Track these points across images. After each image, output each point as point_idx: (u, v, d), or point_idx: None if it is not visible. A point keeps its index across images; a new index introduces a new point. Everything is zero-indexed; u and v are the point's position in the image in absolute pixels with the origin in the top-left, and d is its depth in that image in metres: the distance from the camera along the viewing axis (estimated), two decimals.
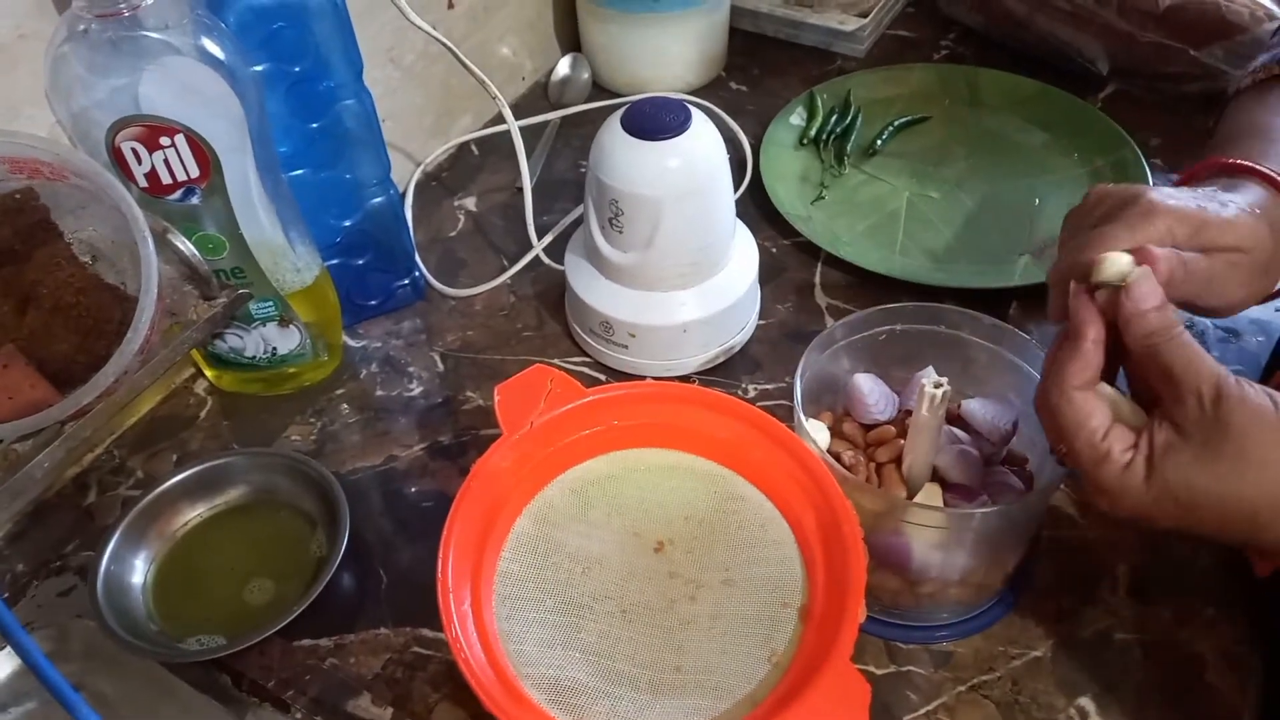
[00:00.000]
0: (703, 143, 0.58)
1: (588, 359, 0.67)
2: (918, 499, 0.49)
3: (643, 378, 0.65)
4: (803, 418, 0.49)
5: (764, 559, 0.46)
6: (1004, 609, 0.52)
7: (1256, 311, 0.65)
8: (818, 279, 0.72)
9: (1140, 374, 0.43)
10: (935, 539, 0.47)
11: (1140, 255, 0.43)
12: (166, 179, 0.52)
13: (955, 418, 0.53)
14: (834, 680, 0.39)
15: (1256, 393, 0.38)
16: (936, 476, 0.50)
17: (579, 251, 0.65)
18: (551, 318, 0.70)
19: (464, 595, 0.43)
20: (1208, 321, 0.67)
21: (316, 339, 0.63)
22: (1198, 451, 0.38)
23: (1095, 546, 0.55)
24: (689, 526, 0.48)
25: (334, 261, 0.65)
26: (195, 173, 0.52)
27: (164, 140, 0.50)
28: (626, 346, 0.64)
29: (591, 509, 0.49)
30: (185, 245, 0.51)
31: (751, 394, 0.64)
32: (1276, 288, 0.50)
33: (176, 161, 0.51)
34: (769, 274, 0.72)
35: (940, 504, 0.49)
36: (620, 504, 0.49)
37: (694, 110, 0.59)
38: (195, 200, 0.53)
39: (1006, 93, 0.84)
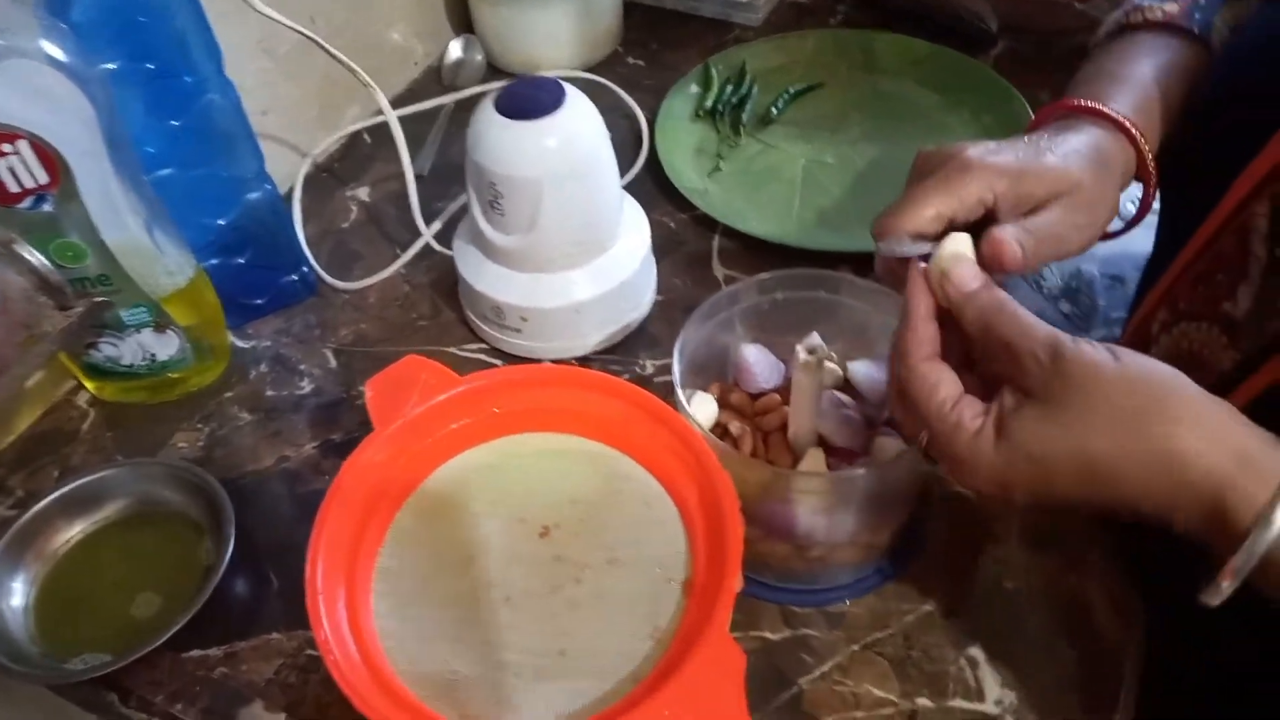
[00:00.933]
0: (580, 120, 0.58)
1: (484, 345, 0.66)
2: (801, 465, 0.49)
3: (539, 361, 0.64)
4: (681, 395, 0.48)
5: (649, 537, 0.46)
6: (897, 568, 0.52)
7: (1139, 251, 0.66)
8: (715, 250, 0.71)
9: (985, 355, 0.42)
10: (819, 504, 0.47)
11: (991, 244, 0.44)
12: (14, 187, 0.49)
13: (846, 383, 0.54)
14: (711, 652, 0.39)
15: (1094, 348, 0.38)
16: (822, 442, 0.51)
17: (466, 237, 0.64)
18: (446, 306, 0.69)
19: (337, 596, 0.42)
20: (1095, 270, 0.68)
21: (198, 342, 0.62)
22: (1043, 409, 0.38)
23: (988, 503, 0.55)
24: (575, 509, 0.48)
25: (213, 261, 0.63)
26: (44, 179, 0.50)
27: (6, 147, 0.48)
28: (520, 331, 0.63)
29: (474, 499, 0.48)
30: (33, 255, 0.49)
31: (650, 370, 0.64)
32: (1112, 226, 0.51)
33: (22, 168, 0.49)
34: (666, 248, 0.71)
35: (822, 469, 0.49)
36: (504, 492, 0.48)
37: (570, 88, 0.58)
38: (48, 207, 0.51)
39: (900, 55, 0.84)
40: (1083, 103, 0.51)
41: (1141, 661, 0.49)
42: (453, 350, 0.66)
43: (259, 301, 0.67)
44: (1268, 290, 0.44)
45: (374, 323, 0.68)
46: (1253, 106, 0.47)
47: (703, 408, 0.52)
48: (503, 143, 0.57)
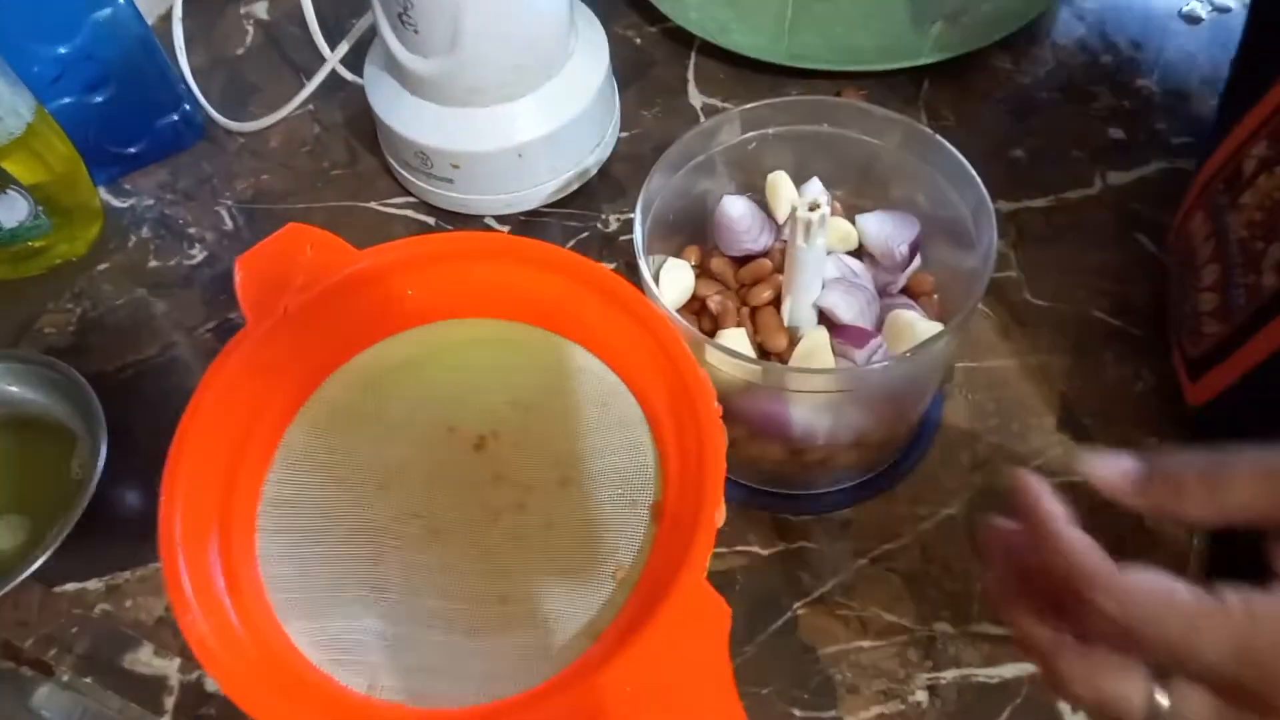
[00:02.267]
0: None
1: (413, 199, 0.54)
2: (798, 348, 0.39)
3: (481, 218, 0.53)
4: (646, 267, 0.38)
5: (608, 446, 0.37)
6: (911, 463, 0.44)
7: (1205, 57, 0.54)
8: (691, 74, 0.58)
9: None
10: (820, 401, 0.38)
11: None
12: None
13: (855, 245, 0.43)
14: (685, 603, 0.31)
15: None
16: (823, 318, 0.41)
17: (379, 62, 0.51)
18: (366, 150, 0.56)
19: (206, 543, 0.33)
20: (1152, 84, 0.56)
21: (54, 202, 0.50)
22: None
23: (1020, 373, 0.46)
24: (516, 413, 0.38)
25: (63, 101, 0.51)
26: None
27: None
28: (452, 181, 0.51)
29: (390, 404, 0.38)
30: None
31: (614, 226, 0.53)
32: None
33: None
34: (633, 72, 0.58)
35: (827, 353, 0.39)
36: (428, 393, 0.38)
37: None
38: None
39: None
40: None
41: (1208, 563, 0.41)
42: (374, 206, 0.54)
43: (133, 150, 0.55)
44: None
45: (278, 173, 0.56)
46: None
47: (675, 279, 0.42)
48: None
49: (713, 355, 0.36)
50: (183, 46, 0.60)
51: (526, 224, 0.53)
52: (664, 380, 0.36)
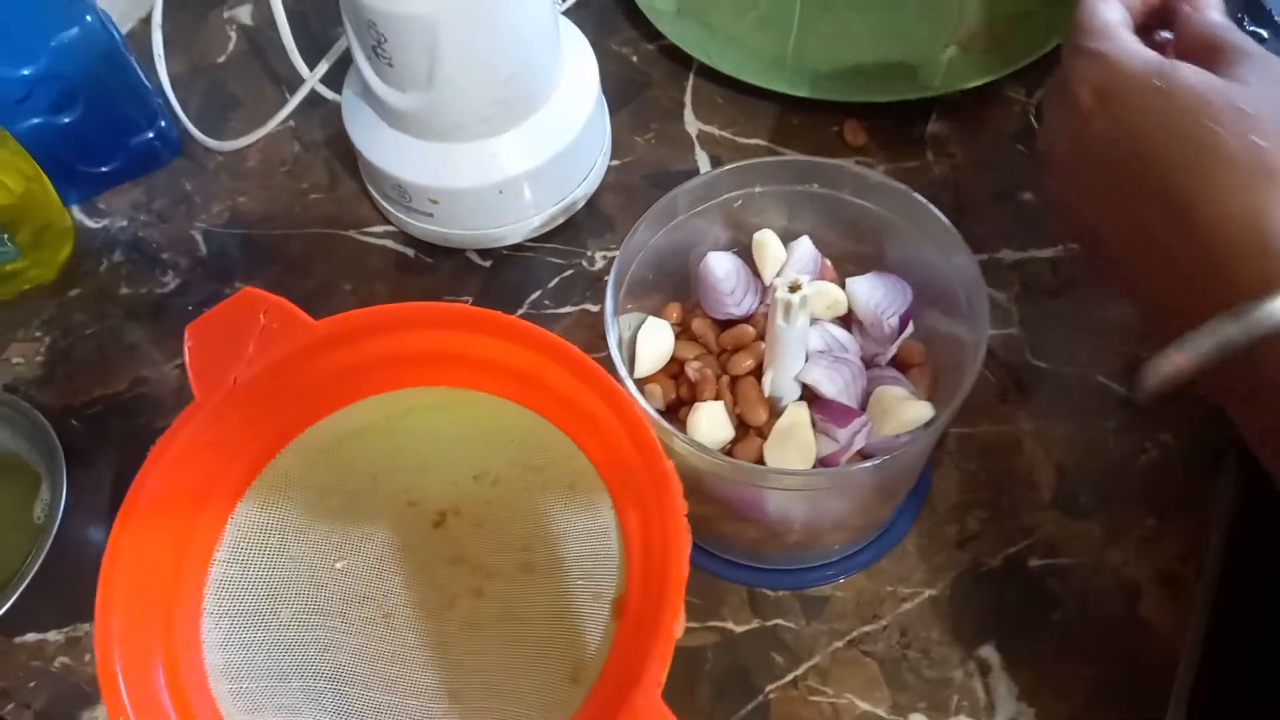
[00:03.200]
0: None
1: (393, 229, 0.52)
2: (777, 425, 0.37)
3: (462, 252, 0.51)
4: (618, 354, 0.36)
5: (573, 531, 0.35)
6: (895, 536, 0.42)
7: None
8: (689, 98, 0.56)
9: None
10: (797, 493, 0.36)
11: None
12: None
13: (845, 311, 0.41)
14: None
15: None
16: (806, 391, 0.38)
17: (355, 87, 0.49)
18: (346, 173, 0.54)
19: (149, 632, 0.32)
20: None
21: (19, 225, 0.48)
22: (1234, 65, 0.31)
23: (1016, 441, 0.44)
24: (480, 489, 0.36)
25: (33, 122, 0.49)
26: None
27: None
28: (432, 215, 0.49)
29: (348, 475, 0.37)
30: None
31: (599, 264, 0.51)
32: None
33: None
34: (627, 93, 0.56)
35: (807, 431, 0.37)
36: (389, 463, 0.37)
37: None
38: None
39: None
40: None
41: (1199, 666, 0.39)
42: (353, 235, 0.52)
43: (106, 169, 0.53)
44: None
45: (255, 195, 0.54)
46: None
47: (654, 341, 0.40)
48: None
49: (681, 446, 0.34)
50: (161, 54, 0.58)
51: (509, 259, 0.51)
52: (631, 467, 0.34)
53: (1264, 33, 0.56)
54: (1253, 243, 0.28)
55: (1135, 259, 0.32)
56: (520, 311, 0.49)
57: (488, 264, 0.51)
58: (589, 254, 0.51)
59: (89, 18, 0.48)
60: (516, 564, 0.35)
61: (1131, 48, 0.33)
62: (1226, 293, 0.28)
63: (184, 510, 0.34)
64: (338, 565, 0.35)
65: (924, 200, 0.37)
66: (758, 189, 0.40)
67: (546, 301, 0.50)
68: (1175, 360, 0.28)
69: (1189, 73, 0.32)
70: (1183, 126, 0.30)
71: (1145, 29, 0.36)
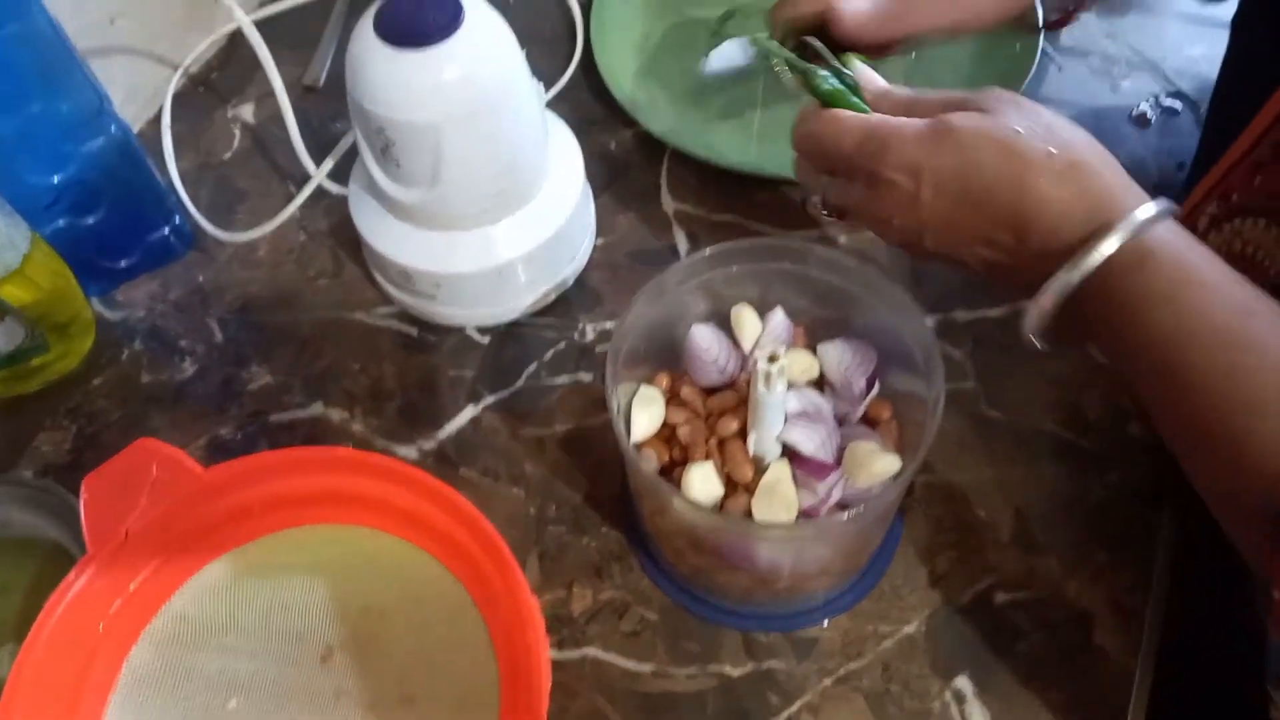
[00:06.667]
0: (483, 43, 0.46)
1: (396, 310, 0.56)
2: (763, 481, 0.41)
3: (463, 329, 0.55)
4: (620, 423, 0.40)
5: (453, 664, 0.38)
6: (873, 579, 0.46)
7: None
8: (664, 179, 0.61)
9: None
10: (784, 541, 0.40)
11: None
12: None
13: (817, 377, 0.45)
14: None
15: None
16: (786, 449, 0.43)
17: (361, 182, 0.53)
18: (351, 258, 0.58)
19: None
20: None
21: (48, 320, 0.52)
22: (981, 112, 0.39)
23: (977, 487, 0.48)
24: (366, 622, 0.39)
25: (58, 224, 0.53)
26: None
27: None
28: (434, 297, 0.53)
29: (241, 611, 0.40)
30: None
31: (590, 336, 0.55)
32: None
33: None
34: (610, 176, 0.61)
35: (789, 486, 0.41)
36: (280, 600, 0.40)
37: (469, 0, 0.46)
38: None
39: None
40: None
41: (1151, 685, 0.43)
42: (359, 317, 0.56)
43: (125, 264, 0.57)
44: None
45: (265, 283, 0.58)
46: None
47: (647, 409, 0.44)
48: (388, 79, 0.45)
49: (680, 505, 0.38)
50: (171, 152, 0.62)
51: (507, 334, 0.55)
52: (502, 603, 0.37)
53: (1177, 105, 0.63)
54: (1076, 214, 0.36)
55: (998, 263, 0.39)
56: (519, 384, 0.53)
57: (487, 340, 0.55)
58: (580, 327, 0.55)
59: (113, 128, 0.52)
60: (398, 696, 0.38)
61: (899, 128, 0.40)
62: (1064, 253, 0.36)
63: (80, 655, 0.37)
64: (230, 704, 0.38)
65: (880, 274, 0.42)
66: (734, 268, 0.44)
67: (543, 373, 0.54)
68: (1039, 303, 0.37)
69: (961, 118, 0.39)
70: (992, 158, 0.37)
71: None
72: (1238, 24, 0.51)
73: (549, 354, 0.54)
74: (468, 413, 0.53)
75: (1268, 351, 0.33)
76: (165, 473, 0.39)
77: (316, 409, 0.53)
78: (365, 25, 0.46)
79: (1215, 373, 0.33)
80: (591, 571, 0.47)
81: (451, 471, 0.50)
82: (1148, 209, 0.36)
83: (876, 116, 0.41)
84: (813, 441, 0.42)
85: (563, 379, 0.53)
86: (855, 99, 0.44)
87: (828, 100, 0.44)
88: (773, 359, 0.39)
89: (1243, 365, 0.33)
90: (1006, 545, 0.47)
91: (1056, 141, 0.37)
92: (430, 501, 0.39)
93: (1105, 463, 0.48)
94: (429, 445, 0.52)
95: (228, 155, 0.64)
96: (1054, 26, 0.60)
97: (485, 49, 0.46)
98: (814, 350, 0.46)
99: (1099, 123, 0.61)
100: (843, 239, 0.57)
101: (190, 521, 0.39)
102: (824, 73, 0.45)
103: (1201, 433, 0.34)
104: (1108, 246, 0.35)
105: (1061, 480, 0.48)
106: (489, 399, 0.53)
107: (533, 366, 0.54)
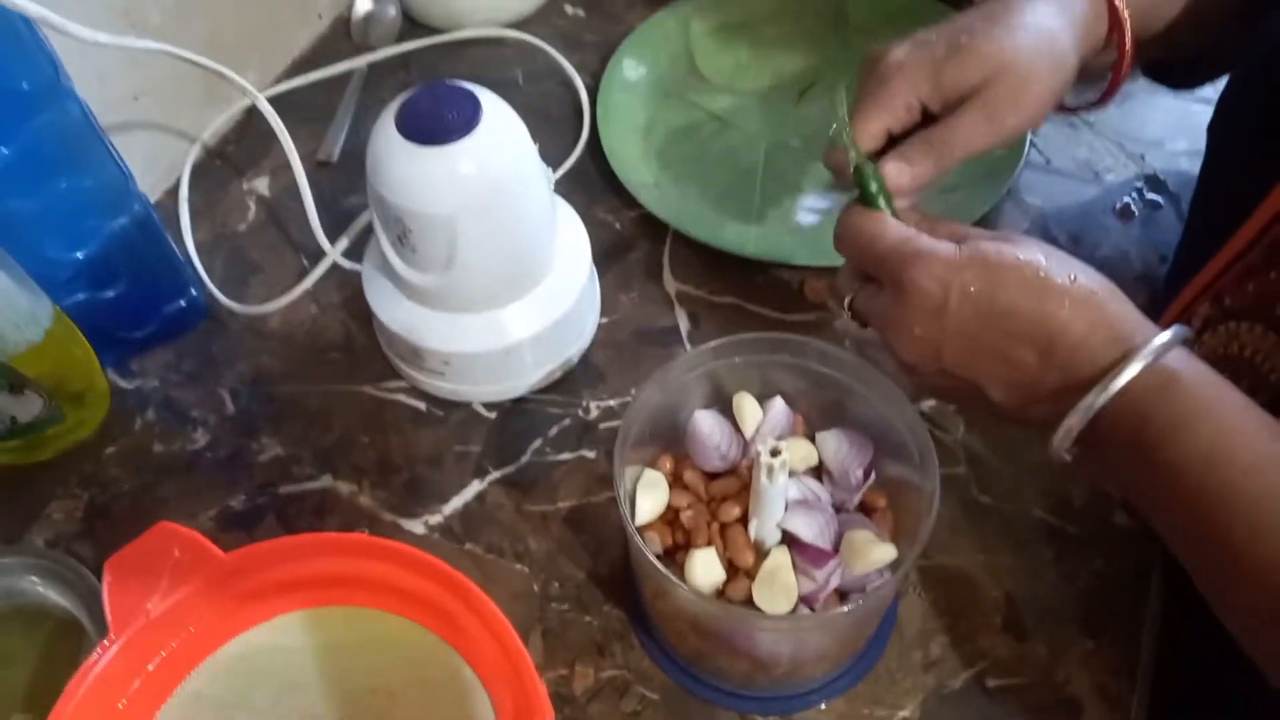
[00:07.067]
0: (499, 141, 0.48)
1: (405, 384, 0.58)
2: (763, 568, 0.43)
3: (469, 405, 0.57)
4: (625, 507, 0.41)
5: None
6: (869, 662, 0.47)
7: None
8: (666, 259, 0.63)
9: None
10: (784, 631, 0.41)
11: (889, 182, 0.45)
12: None
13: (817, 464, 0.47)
14: None
15: None
16: (786, 535, 0.44)
17: (375, 262, 0.55)
18: (362, 332, 0.60)
19: None
20: None
21: (65, 391, 0.53)
22: (1015, 238, 0.40)
23: (969, 571, 0.50)
24: (375, 703, 0.40)
25: (78, 298, 0.54)
26: None
27: None
28: (443, 374, 0.55)
29: (256, 690, 0.40)
30: None
31: (594, 413, 0.56)
32: (1067, 100, 0.50)
33: None
34: (613, 255, 0.63)
35: (789, 573, 0.42)
36: (292, 679, 0.41)
37: (487, 98, 0.48)
38: None
39: (875, 5, 0.74)
40: None
41: None
42: (368, 390, 0.58)
43: (138, 335, 0.58)
44: None
45: (277, 355, 0.59)
46: None
47: (651, 494, 0.45)
48: (408, 173, 0.47)
49: (681, 593, 0.39)
50: (188, 224, 0.64)
51: (513, 411, 0.57)
52: (509, 687, 0.38)
53: (1160, 199, 0.65)
54: (1098, 337, 0.38)
55: (1017, 382, 0.40)
56: (524, 460, 0.55)
57: (493, 415, 0.57)
58: (584, 404, 0.57)
59: (136, 205, 0.54)
60: None
61: (934, 242, 0.41)
62: (1086, 375, 0.38)
63: None
64: None
65: (873, 367, 0.44)
66: (737, 359, 0.46)
67: (547, 450, 0.55)
68: (1068, 424, 0.38)
69: (989, 242, 0.40)
70: (1018, 278, 0.39)
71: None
72: (1214, 128, 0.53)
73: (554, 430, 0.56)
74: (474, 487, 0.54)
75: None
76: (186, 555, 0.40)
77: (325, 481, 0.54)
78: (387, 120, 0.48)
79: (1251, 495, 0.34)
80: (594, 649, 0.48)
81: (457, 547, 0.52)
82: (1166, 334, 0.37)
83: (914, 229, 0.42)
84: (811, 529, 0.43)
85: (567, 455, 0.55)
86: (891, 206, 0.44)
87: (871, 199, 0.44)
88: (775, 453, 0.40)
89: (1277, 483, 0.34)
90: (998, 630, 0.48)
91: (1076, 269, 0.39)
92: (440, 585, 0.40)
93: (1091, 549, 0.50)
94: (435, 520, 0.53)
95: (242, 227, 0.65)
96: (1070, 112, 0.60)
97: (501, 146, 0.48)
98: (813, 438, 0.47)
99: (1083, 215, 0.63)
100: (839, 324, 0.59)
101: (209, 603, 0.40)
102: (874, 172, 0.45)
103: (1233, 554, 0.35)
104: (1133, 368, 0.36)
105: (1050, 565, 0.50)
106: (494, 474, 0.54)
107: (538, 442, 0.55)
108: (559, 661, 0.48)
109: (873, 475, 0.46)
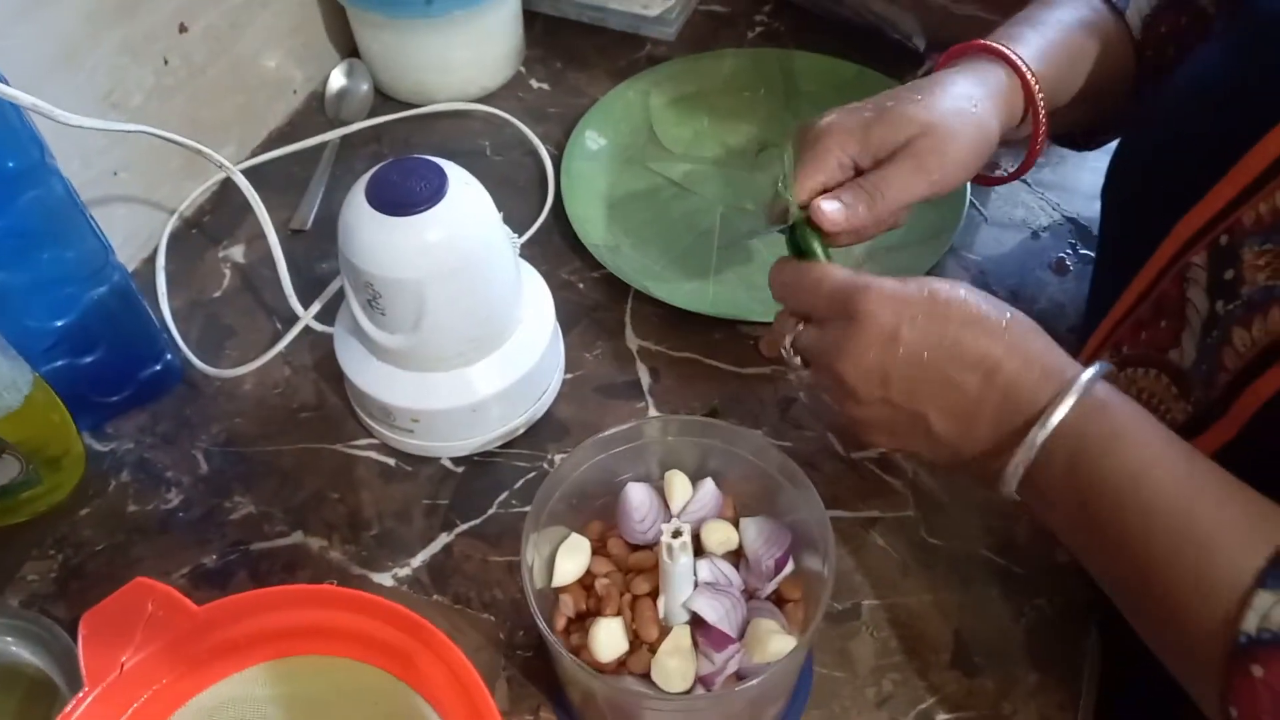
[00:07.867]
0: (464, 210, 0.51)
1: (375, 442, 0.60)
2: (664, 645, 0.44)
3: (438, 459, 0.59)
4: (527, 577, 0.43)
5: None
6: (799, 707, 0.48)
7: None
8: (628, 318, 0.66)
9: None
10: (674, 712, 0.43)
11: (813, 213, 0.48)
12: None
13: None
14: None
15: None
16: (693, 614, 0.45)
17: (347, 325, 0.58)
18: (334, 393, 0.62)
19: None
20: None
21: (41, 455, 0.54)
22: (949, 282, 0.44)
23: (920, 610, 0.52)
24: None
25: (57, 364, 0.56)
26: None
27: None
28: (412, 430, 0.57)
29: None
30: None
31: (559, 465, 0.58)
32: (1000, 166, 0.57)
33: None
34: (577, 314, 0.66)
35: (689, 654, 0.44)
36: None
37: (453, 171, 0.51)
38: None
39: (823, 77, 0.79)
40: (979, 42, 0.54)
41: None
42: (339, 448, 0.60)
43: (114, 399, 0.60)
44: (1210, 343, 0.43)
45: (250, 416, 0.61)
46: (1192, 149, 0.46)
47: (573, 557, 0.47)
48: (377, 241, 0.50)
49: (570, 664, 0.41)
50: (165, 291, 0.66)
51: (479, 465, 0.59)
52: None
53: (1092, 253, 0.69)
54: (1034, 372, 0.42)
55: (962, 421, 0.43)
56: (490, 512, 0.57)
57: (460, 470, 0.59)
58: (549, 457, 0.59)
59: (115, 275, 0.56)
60: None
61: (880, 278, 0.44)
62: (1027, 410, 0.41)
63: None
64: None
65: (796, 466, 0.46)
66: (671, 439, 0.48)
67: (514, 502, 0.57)
68: (1017, 460, 0.41)
69: (934, 281, 0.44)
70: (960, 310, 0.43)
71: None
72: (1106, 190, 0.56)
73: (519, 483, 0.58)
74: (441, 540, 0.56)
75: (1214, 490, 0.38)
76: (160, 609, 0.41)
77: (296, 537, 0.56)
78: (357, 192, 0.51)
79: (1179, 508, 0.38)
80: (556, 696, 0.49)
81: (425, 598, 0.53)
82: (1093, 368, 0.41)
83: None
84: (716, 611, 0.44)
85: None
86: (829, 254, 0.49)
87: (809, 249, 0.49)
88: (676, 534, 0.43)
89: (1200, 501, 0.37)
90: (947, 667, 0.50)
91: (1008, 311, 0.43)
92: (403, 631, 0.42)
93: (1035, 587, 0.52)
94: (403, 572, 0.54)
95: (218, 293, 0.68)
96: (988, 183, 0.66)
97: (465, 215, 0.51)
98: (738, 523, 0.48)
99: (1022, 269, 0.67)
100: (792, 377, 0.61)
101: (182, 656, 0.41)
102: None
103: (1160, 580, 0.38)
104: (1070, 399, 0.40)
105: (996, 603, 0.52)
106: (461, 526, 0.56)
107: (504, 495, 0.57)
108: (524, 708, 0.49)
109: (789, 566, 0.46)
